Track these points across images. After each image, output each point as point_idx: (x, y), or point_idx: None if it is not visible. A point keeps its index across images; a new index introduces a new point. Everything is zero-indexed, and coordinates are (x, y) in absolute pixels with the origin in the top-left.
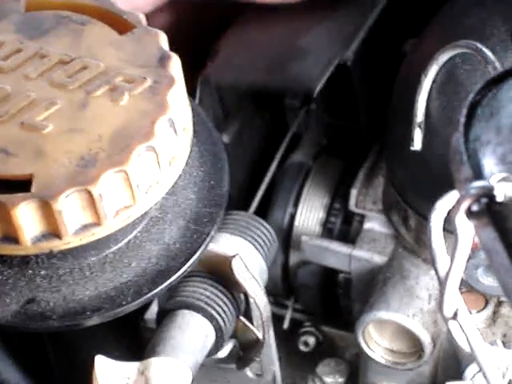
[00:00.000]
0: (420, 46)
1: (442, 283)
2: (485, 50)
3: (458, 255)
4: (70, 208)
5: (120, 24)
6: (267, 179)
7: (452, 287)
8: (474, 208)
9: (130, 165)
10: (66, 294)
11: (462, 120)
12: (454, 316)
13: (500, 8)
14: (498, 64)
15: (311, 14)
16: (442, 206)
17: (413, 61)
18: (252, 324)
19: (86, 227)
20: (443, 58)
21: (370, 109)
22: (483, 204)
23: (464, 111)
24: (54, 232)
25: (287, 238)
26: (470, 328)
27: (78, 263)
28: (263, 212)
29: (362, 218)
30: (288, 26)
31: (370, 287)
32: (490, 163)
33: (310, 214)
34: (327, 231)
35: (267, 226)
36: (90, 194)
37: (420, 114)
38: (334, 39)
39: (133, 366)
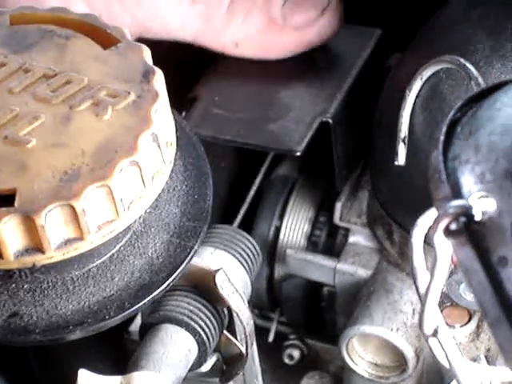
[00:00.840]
0: (405, 60)
1: (421, 300)
2: (468, 65)
3: (436, 273)
4: (53, 223)
5: (104, 38)
6: (252, 192)
7: (431, 304)
8: (453, 227)
9: (113, 179)
10: (49, 308)
11: (442, 138)
12: (434, 333)
13: (485, 23)
14: (481, 79)
15: (292, 66)
16: (423, 222)
17: (397, 75)
18: (235, 338)
19: (68, 242)
20: (427, 73)
21: (348, 164)
22: (461, 223)
23: (443, 129)
24: (36, 246)
25: (272, 251)
26: (449, 345)
27: (61, 277)
28: (248, 225)
29: (347, 231)
30: (268, 77)
31: (354, 301)
32: (468, 182)
33: (295, 227)
34: (312, 244)
35: (251, 240)
36: (72, 208)
37: (404, 129)
38: (316, 95)
39: (115, 380)
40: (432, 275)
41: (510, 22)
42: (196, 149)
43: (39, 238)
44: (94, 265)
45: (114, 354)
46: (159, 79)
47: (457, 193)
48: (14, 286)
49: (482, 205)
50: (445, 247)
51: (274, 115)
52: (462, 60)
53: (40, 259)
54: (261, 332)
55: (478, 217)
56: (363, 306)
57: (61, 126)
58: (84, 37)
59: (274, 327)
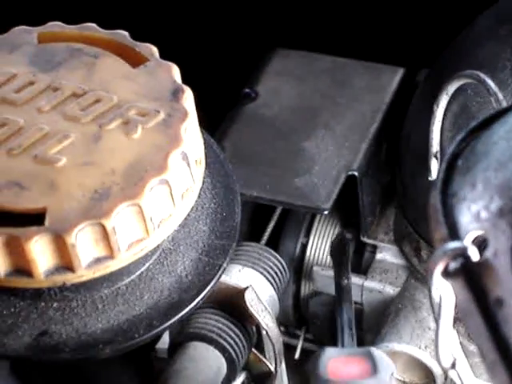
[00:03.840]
0: (432, 76)
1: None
2: (488, 80)
3: (443, 312)
4: (84, 241)
5: (133, 57)
6: (279, 210)
7: (443, 340)
8: (450, 268)
9: (144, 198)
10: (78, 327)
11: (440, 176)
12: (453, 366)
13: None
14: (500, 95)
15: (315, 113)
16: (439, 257)
17: (425, 91)
18: (264, 356)
19: (99, 260)
20: (452, 88)
21: (373, 211)
22: (459, 264)
23: (443, 166)
24: (67, 265)
25: (299, 269)
26: (468, 376)
27: (90, 296)
28: (275, 243)
29: (374, 248)
30: (291, 126)
31: (381, 318)
32: (465, 221)
33: (321, 244)
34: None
35: (278, 258)
36: (103, 227)
37: (435, 144)
38: (341, 146)
39: None
40: (439, 315)
41: None
42: (224, 166)
43: (69, 257)
44: (124, 283)
45: (142, 372)
46: (188, 98)
47: (454, 232)
48: (43, 304)
49: (478, 245)
50: (445, 288)
51: (300, 169)
52: (481, 75)
53: (70, 278)
54: (287, 349)
55: (474, 258)
56: (391, 324)
57: (91, 145)
58: (113, 55)
59: (300, 344)
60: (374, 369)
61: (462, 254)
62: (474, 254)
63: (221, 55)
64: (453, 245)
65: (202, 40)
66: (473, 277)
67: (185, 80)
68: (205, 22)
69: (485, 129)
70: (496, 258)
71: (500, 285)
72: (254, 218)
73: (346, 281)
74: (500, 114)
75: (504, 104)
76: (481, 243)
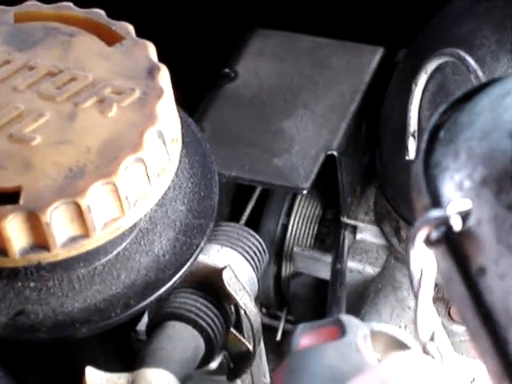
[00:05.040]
0: (410, 55)
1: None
2: (468, 58)
3: (423, 283)
4: (59, 220)
5: (109, 35)
6: (258, 190)
7: (423, 313)
8: (433, 237)
9: (119, 177)
10: (55, 306)
11: (423, 146)
12: (431, 338)
13: (491, 18)
14: (480, 73)
15: (294, 92)
16: (421, 225)
17: (404, 70)
18: (243, 336)
19: (74, 239)
20: (431, 66)
21: (353, 191)
22: (441, 233)
23: (425, 136)
24: (42, 244)
25: (280, 249)
26: (446, 347)
27: (67, 275)
28: (256, 223)
29: (355, 228)
30: (270, 106)
31: (361, 298)
32: (448, 190)
33: (302, 224)
34: (319, 242)
35: (258, 237)
36: (78, 206)
37: (413, 124)
38: (320, 125)
39: (123, 377)
40: (419, 285)
41: None
42: (202, 146)
43: (44, 236)
44: (100, 263)
45: (121, 352)
46: (164, 76)
47: (436, 201)
48: (20, 284)
49: (461, 214)
50: (427, 256)
51: (279, 149)
52: (461, 53)
53: (45, 257)
54: (269, 331)
55: (456, 227)
56: (371, 304)
57: (66, 124)
58: (88, 34)
59: (281, 326)
60: (342, 333)
61: (445, 222)
62: (457, 223)
63: (201, 35)
64: (435, 213)
65: (183, 20)
66: (455, 245)
67: (164, 60)
68: (185, 1)
69: (467, 101)
70: (479, 227)
71: (483, 253)
72: (236, 198)
73: (338, 264)
74: (483, 87)
75: (483, 81)
76: (464, 212)
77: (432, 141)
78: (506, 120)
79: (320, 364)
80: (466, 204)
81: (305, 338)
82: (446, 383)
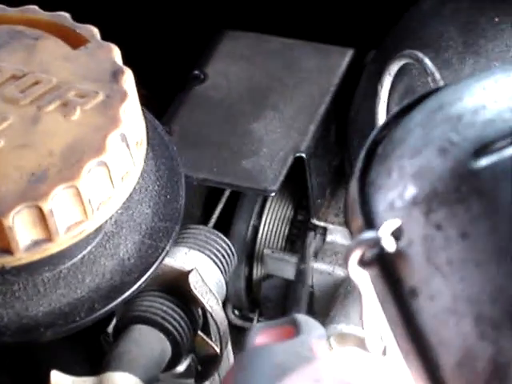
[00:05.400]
0: (378, 57)
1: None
2: (425, 59)
3: (363, 303)
4: (21, 224)
5: (73, 38)
6: (227, 192)
7: (369, 328)
8: (366, 258)
9: (81, 180)
10: (19, 310)
11: (359, 165)
12: (384, 353)
13: (456, 19)
14: (437, 75)
15: (262, 93)
16: (354, 247)
17: (371, 72)
18: (210, 338)
19: (37, 243)
20: (393, 68)
21: (322, 192)
22: (374, 254)
23: (362, 154)
24: (5, 248)
25: (251, 251)
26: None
27: (31, 279)
28: (226, 225)
29: (325, 230)
30: (239, 108)
31: (331, 300)
32: (381, 210)
33: (273, 226)
34: (290, 244)
35: (226, 240)
36: (40, 209)
37: None
38: (289, 127)
39: (88, 381)
40: (361, 304)
41: (481, 17)
42: (168, 149)
43: (7, 240)
44: (65, 266)
45: (90, 355)
46: (128, 79)
47: (370, 222)
48: None
49: (393, 234)
50: (362, 277)
51: (248, 151)
52: (419, 54)
53: (9, 261)
54: (241, 332)
55: (388, 248)
56: (340, 305)
57: (29, 127)
58: (53, 37)
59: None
60: (297, 332)
61: (378, 243)
62: (389, 244)
63: (170, 37)
64: (368, 234)
65: (152, 22)
66: (388, 266)
67: (132, 62)
68: (152, 3)
69: (404, 116)
70: (410, 247)
71: (414, 274)
72: (207, 201)
73: (302, 265)
74: (419, 100)
75: (441, 84)
76: (396, 233)
77: (369, 158)
78: (436, 136)
79: (270, 363)
80: (398, 224)
81: (260, 336)
82: (382, 379)
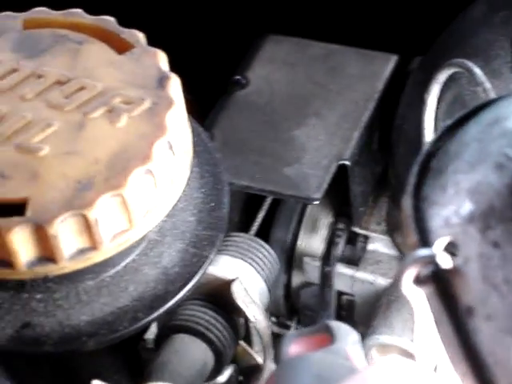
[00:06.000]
0: (425, 64)
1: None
2: (475, 69)
3: (417, 322)
4: (66, 232)
5: (118, 43)
6: (269, 199)
7: (422, 346)
8: (421, 275)
9: (127, 188)
10: (61, 319)
11: (412, 178)
12: (435, 370)
13: (507, 29)
14: (488, 85)
15: (305, 99)
16: (408, 264)
17: (417, 79)
18: (252, 349)
19: (81, 252)
20: (442, 77)
21: (365, 201)
22: (429, 271)
23: (415, 167)
24: (49, 256)
25: (290, 259)
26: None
27: (73, 287)
28: (266, 232)
29: (366, 238)
30: (281, 114)
31: (373, 310)
32: (436, 226)
33: (313, 233)
34: (327, 252)
35: (268, 248)
36: (85, 218)
37: (428, 134)
38: (332, 134)
39: None
40: (416, 323)
41: None
42: (212, 156)
43: (52, 248)
44: (108, 275)
45: (129, 364)
46: (175, 85)
47: (425, 238)
48: (26, 295)
49: (449, 252)
50: (416, 295)
51: (291, 158)
52: (469, 64)
53: (53, 269)
54: (279, 340)
55: (444, 265)
56: (382, 316)
57: (74, 134)
58: (98, 41)
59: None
60: (332, 339)
61: (433, 261)
62: (445, 262)
63: (212, 41)
64: (423, 252)
65: (193, 25)
66: (444, 284)
67: (175, 66)
68: (195, 8)
69: (458, 128)
70: (466, 265)
71: (470, 293)
72: (246, 207)
73: (328, 268)
74: (474, 112)
75: (491, 94)
76: (451, 250)
77: (423, 171)
78: (493, 151)
79: (309, 373)
80: (454, 241)
81: (294, 345)
82: None
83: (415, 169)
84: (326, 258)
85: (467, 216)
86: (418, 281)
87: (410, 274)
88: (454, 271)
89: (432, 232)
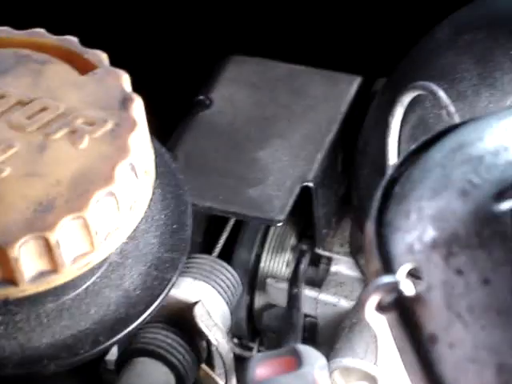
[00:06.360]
0: (389, 86)
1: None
2: (439, 92)
3: (379, 349)
4: (27, 255)
5: (81, 63)
6: (232, 221)
7: (384, 374)
8: (383, 303)
9: (89, 211)
10: (22, 342)
11: (375, 204)
12: None
13: (472, 51)
14: (452, 108)
15: (269, 120)
16: (371, 291)
17: (381, 101)
18: (214, 372)
19: (42, 274)
20: (406, 99)
21: (328, 222)
22: (392, 299)
23: (379, 192)
24: (9, 279)
25: (253, 280)
26: None
27: (34, 310)
28: (229, 253)
29: (330, 260)
30: (245, 134)
31: (336, 332)
32: (399, 253)
33: (276, 255)
34: (293, 273)
35: (231, 270)
36: (46, 240)
37: (392, 157)
38: (296, 156)
39: None
40: (378, 350)
41: (498, 49)
42: (175, 177)
43: (12, 271)
44: (69, 297)
45: None
46: (138, 107)
47: (388, 265)
48: None
49: (412, 279)
50: (379, 323)
51: (254, 179)
52: (433, 86)
53: (13, 292)
54: (240, 362)
55: (407, 292)
56: (345, 338)
57: (36, 155)
58: (60, 62)
59: (253, 355)
60: (299, 363)
61: (395, 288)
62: (407, 289)
63: (175, 61)
64: (386, 279)
65: (156, 46)
66: (406, 312)
67: (137, 86)
68: (158, 28)
69: (423, 153)
70: (429, 293)
71: (433, 321)
72: (209, 228)
73: (295, 290)
74: (438, 137)
75: (456, 117)
76: (414, 277)
77: (386, 196)
78: (457, 178)
79: None
80: (417, 268)
81: (261, 368)
82: None
83: (378, 194)
84: (293, 280)
85: (430, 243)
86: (381, 308)
87: (373, 300)
88: (417, 298)
89: (395, 258)
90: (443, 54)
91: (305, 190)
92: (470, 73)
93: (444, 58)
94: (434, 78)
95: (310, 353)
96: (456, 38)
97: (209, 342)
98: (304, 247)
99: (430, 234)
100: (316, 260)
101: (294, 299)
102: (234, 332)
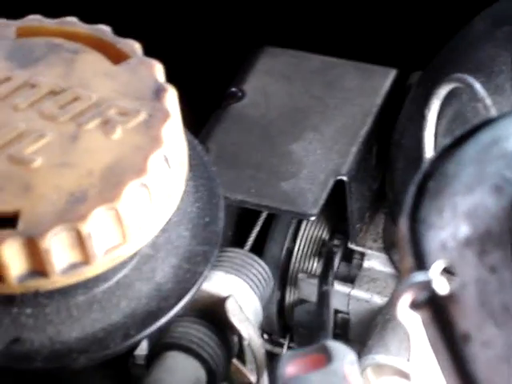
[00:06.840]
0: (425, 79)
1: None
2: (476, 85)
3: (412, 348)
4: (58, 246)
5: (114, 53)
6: (264, 214)
7: (417, 373)
8: (417, 300)
9: (122, 202)
10: (51, 335)
11: (409, 200)
12: None
13: (510, 44)
14: (488, 101)
15: (303, 114)
16: (404, 289)
17: (417, 94)
18: (245, 367)
19: (73, 266)
20: (442, 92)
21: (362, 217)
22: (425, 296)
23: (412, 188)
24: (40, 271)
25: (284, 275)
26: None
27: (65, 302)
28: (260, 248)
29: (362, 255)
30: (278, 127)
31: (368, 329)
32: (433, 250)
33: (308, 250)
34: (324, 269)
35: (263, 264)
36: (78, 232)
37: (428, 150)
38: (329, 149)
39: None
40: (411, 347)
41: None
42: (207, 169)
43: (43, 262)
44: (100, 290)
45: (119, 381)
46: (171, 97)
47: (421, 262)
48: (16, 310)
49: (445, 276)
50: (412, 321)
51: (287, 173)
52: (470, 79)
53: (44, 284)
54: (271, 358)
55: (440, 290)
56: (378, 335)
57: (68, 145)
58: (93, 51)
59: (284, 353)
60: (329, 359)
61: (429, 286)
62: (441, 287)
63: (208, 53)
64: (419, 277)
65: (189, 37)
66: (440, 310)
67: (170, 78)
68: (192, 19)
69: (458, 148)
70: (462, 291)
71: (467, 319)
72: (240, 222)
73: (325, 286)
74: (472, 132)
75: (492, 111)
76: (448, 275)
77: (420, 192)
78: (491, 173)
79: None
80: (450, 266)
81: (291, 366)
82: None
83: (412, 189)
84: (323, 277)
85: (464, 240)
86: (414, 306)
87: (406, 299)
88: (451, 297)
89: (428, 255)
90: (481, 47)
91: (338, 184)
92: (508, 66)
93: (482, 51)
94: (470, 70)
95: (339, 348)
96: (494, 31)
97: (240, 337)
98: (337, 242)
99: (464, 230)
100: (349, 255)
101: (324, 296)
102: (264, 328)
